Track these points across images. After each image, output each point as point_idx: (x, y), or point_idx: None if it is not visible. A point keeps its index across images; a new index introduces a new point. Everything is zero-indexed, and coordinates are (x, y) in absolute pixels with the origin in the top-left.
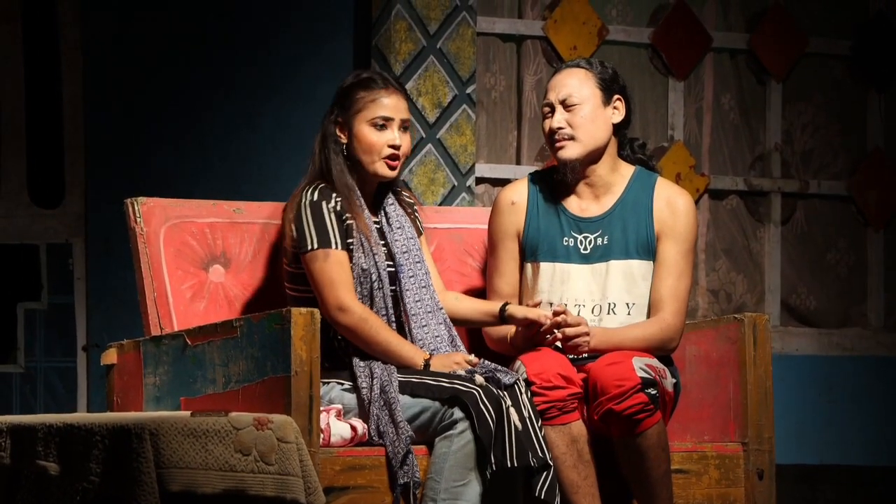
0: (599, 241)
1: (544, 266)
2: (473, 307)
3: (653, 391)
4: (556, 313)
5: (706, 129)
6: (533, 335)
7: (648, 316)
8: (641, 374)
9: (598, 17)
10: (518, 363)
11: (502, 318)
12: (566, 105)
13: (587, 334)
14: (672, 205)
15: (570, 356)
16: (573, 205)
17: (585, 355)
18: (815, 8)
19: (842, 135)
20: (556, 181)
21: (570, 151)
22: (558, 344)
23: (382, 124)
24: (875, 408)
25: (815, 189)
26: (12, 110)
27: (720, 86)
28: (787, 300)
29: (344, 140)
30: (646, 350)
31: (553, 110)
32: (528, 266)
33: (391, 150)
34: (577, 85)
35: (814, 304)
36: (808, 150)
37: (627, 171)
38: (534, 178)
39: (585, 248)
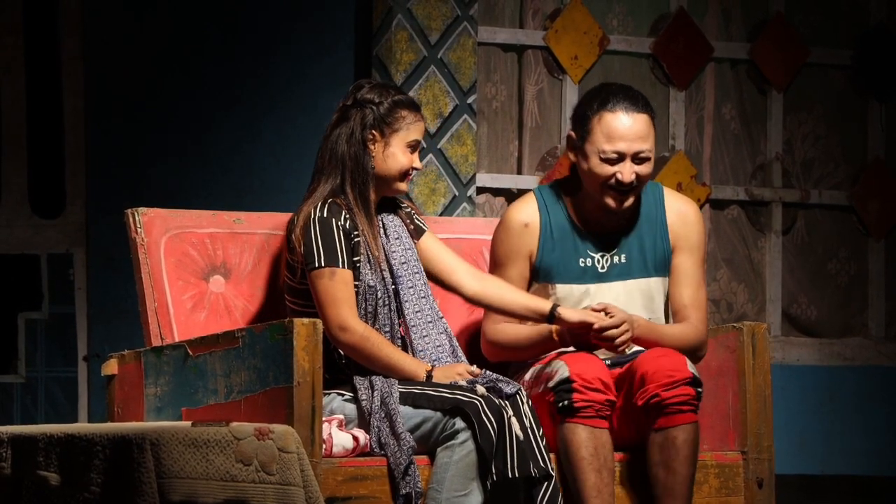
0: (616, 259)
1: (561, 289)
2: (521, 301)
3: (699, 389)
4: (595, 311)
5: (707, 138)
6: (580, 334)
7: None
8: (692, 370)
9: (599, 27)
10: (559, 363)
11: (550, 319)
12: (637, 158)
13: (628, 330)
14: (684, 217)
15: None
16: (587, 223)
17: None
18: (815, 18)
19: (842, 145)
20: (564, 197)
21: (631, 202)
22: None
23: (414, 147)
24: (876, 417)
25: (815, 199)
26: (14, 121)
27: (721, 96)
28: (788, 310)
29: (374, 153)
30: (680, 350)
31: (622, 159)
32: (540, 288)
33: (412, 171)
34: (646, 135)
35: (815, 314)
36: (809, 160)
37: None
38: (542, 196)
39: (602, 267)
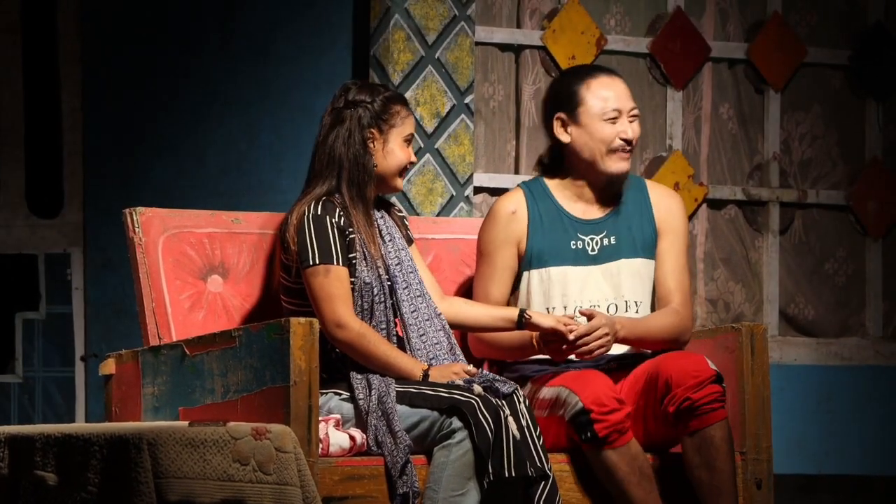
0: (606, 241)
1: (555, 271)
2: (488, 313)
3: (724, 385)
4: (583, 314)
5: (704, 138)
6: (553, 341)
7: (653, 310)
8: (713, 367)
9: (596, 27)
10: (567, 392)
11: (520, 324)
12: (631, 116)
13: (607, 335)
14: (668, 204)
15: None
16: (573, 208)
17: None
18: (813, 18)
19: (840, 144)
20: (550, 186)
21: (629, 163)
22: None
23: (409, 142)
24: (874, 417)
25: (813, 199)
26: (11, 121)
27: (718, 95)
28: (786, 310)
29: (373, 152)
30: (665, 341)
31: (620, 116)
32: (535, 273)
33: (409, 166)
34: (631, 94)
35: (812, 314)
36: (807, 160)
37: None
38: (528, 188)
39: (593, 250)
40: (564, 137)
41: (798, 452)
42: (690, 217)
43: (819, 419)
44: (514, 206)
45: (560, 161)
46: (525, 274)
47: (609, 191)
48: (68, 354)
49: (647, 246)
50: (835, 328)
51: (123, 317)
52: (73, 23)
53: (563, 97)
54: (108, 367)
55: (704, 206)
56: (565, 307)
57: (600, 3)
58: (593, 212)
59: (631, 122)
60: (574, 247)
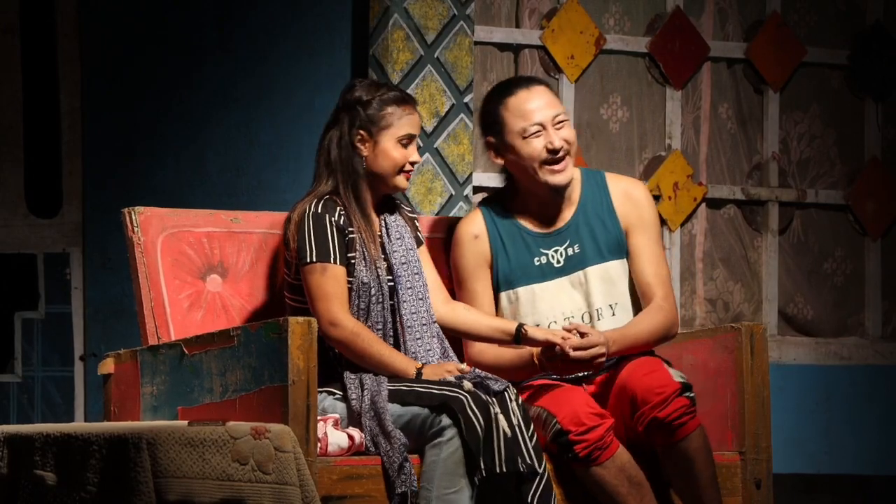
0: (570, 251)
1: (522, 291)
2: (487, 323)
3: (691, 394)
4: (572, 328)
5: (704, 138)
6: (554, 357)
7: (635, 310)
8: (678, 378)
9: (595, 27)
10: (546, 413)
11: (517, 338)
12: (556, 123)
13: (603, 354)
14: (631, 197)
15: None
16: (533, 222)
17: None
18: (812, 18)
19: (839, 144)
20: (507, 203)
21: (570, 172)
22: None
23: (407, 142)
24: (872, 417)
25: (812, 198)
26: (11, 120)
27: (718, 95)
28: (785, 309)
29: (365, 153)
30: (656, 341)
31: (544, 129)
32: (503, 296)
33: (410, 166)
34: (553, 101)
35: (811, 314)
36: (806, 160)
37: (576, 173)
38: (486, 208)
39: (558, 262)
40: (498, 161)
41: (797, 452)
42: (689, 217)
43: (818, 419)
44: (476, 230)
45: (511, 177)
46: (497, 295)
47: (561, 199)
48: (67, 354)
49: (613, 246)
50: (833, 328)
51: (122, 316)
52: (71, 23)
53: (487, 122)
54: (107, 366)
55: (703, 205)
56: (537, 325)
57: (599, 3)
58: (553, 223)
59: (558, 128)
60: (538, 263)
